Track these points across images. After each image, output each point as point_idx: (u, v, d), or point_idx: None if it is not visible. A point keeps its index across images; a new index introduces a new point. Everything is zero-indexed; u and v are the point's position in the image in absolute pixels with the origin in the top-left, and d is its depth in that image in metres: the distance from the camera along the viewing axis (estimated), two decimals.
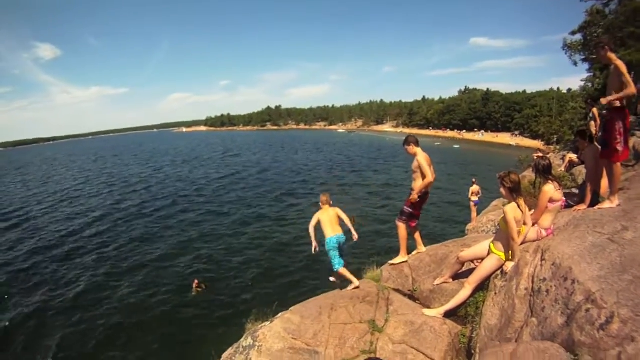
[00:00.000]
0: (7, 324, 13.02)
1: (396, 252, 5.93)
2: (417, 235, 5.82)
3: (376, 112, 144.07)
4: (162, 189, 36.91)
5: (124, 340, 11.55)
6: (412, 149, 5.32)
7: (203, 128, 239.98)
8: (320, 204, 5.93)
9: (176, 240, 20.54)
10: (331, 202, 5.96)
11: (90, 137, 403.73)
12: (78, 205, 32.17)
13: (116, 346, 11.31)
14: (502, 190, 3.99)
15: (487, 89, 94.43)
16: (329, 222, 5.71)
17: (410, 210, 5.49)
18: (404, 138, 5.51)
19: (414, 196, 5.32)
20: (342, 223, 5.86)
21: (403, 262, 5.77)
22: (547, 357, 2.29)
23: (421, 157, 5.21)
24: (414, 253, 5.91)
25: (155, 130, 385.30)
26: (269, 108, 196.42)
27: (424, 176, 5.18)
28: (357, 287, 5.45)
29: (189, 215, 25.86)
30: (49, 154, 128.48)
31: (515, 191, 3.90)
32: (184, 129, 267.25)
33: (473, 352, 3.62)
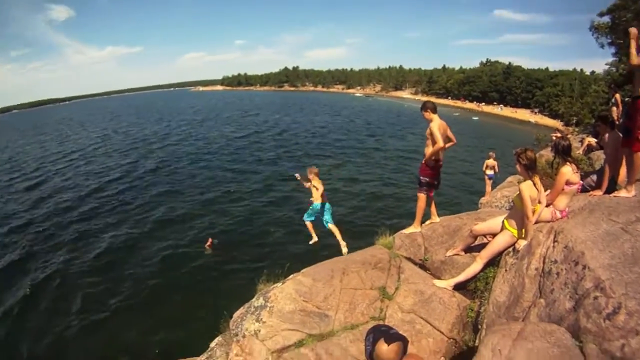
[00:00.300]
0: (31, 282, 13.43)
1: (409, 218, 5.91)
2: (432, 206, 5.80)
3: (395, 77, 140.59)
4: (181, 148, 37.21)
5: (143, 296, 12.03)
6: (429, 114, 5.23)
7: (219, 87, 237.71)
8: (315, 174, 6.94)
9: (196, 199, 20.79)
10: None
11: (105, 96, 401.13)
12: (96, 165, 32.51)
13: (137, 302, 11.81)
14: (517, 166, 3.96)
15: (509, 63, 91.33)
16: (320, 192, 6.98)
17: (427, 179, 5.45)
18: (422, 103, 5.43)
19: (428, 159, 5.29)
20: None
21: (415, 232, 5.76)
22: (553, 340, 2.33)
23: (434, 124, 5.11)
24: (427, 223, 5.86)
25: (172, 89, 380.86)
26: (286, 69, 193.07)
27: (434, 142, 5.11)
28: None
29: (209, 174, 26.11)
30: (64, 114, 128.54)
31: (530, 168, 3.87)
32: (201, 88, 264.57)
33: (480, 327, 3.65)
